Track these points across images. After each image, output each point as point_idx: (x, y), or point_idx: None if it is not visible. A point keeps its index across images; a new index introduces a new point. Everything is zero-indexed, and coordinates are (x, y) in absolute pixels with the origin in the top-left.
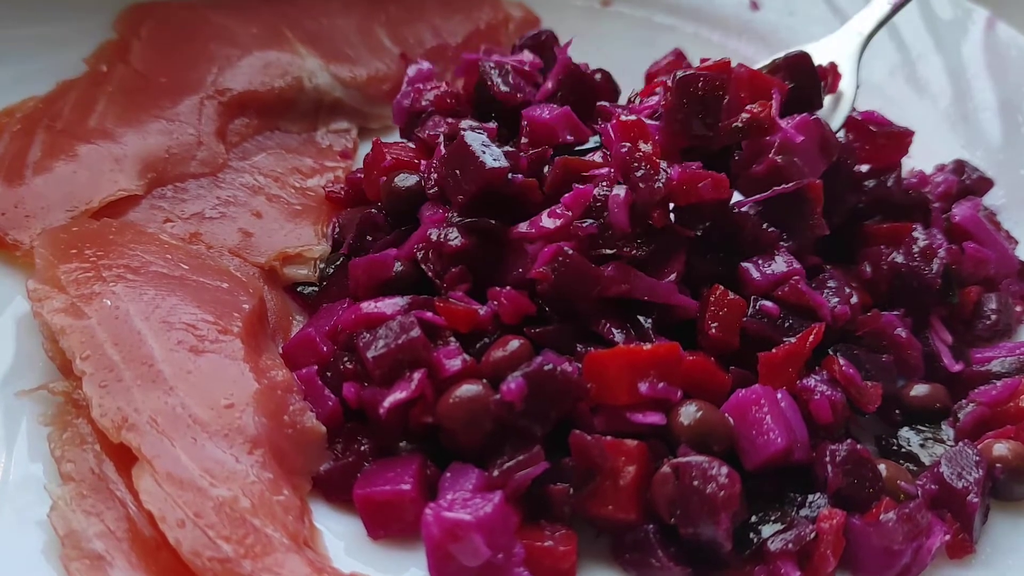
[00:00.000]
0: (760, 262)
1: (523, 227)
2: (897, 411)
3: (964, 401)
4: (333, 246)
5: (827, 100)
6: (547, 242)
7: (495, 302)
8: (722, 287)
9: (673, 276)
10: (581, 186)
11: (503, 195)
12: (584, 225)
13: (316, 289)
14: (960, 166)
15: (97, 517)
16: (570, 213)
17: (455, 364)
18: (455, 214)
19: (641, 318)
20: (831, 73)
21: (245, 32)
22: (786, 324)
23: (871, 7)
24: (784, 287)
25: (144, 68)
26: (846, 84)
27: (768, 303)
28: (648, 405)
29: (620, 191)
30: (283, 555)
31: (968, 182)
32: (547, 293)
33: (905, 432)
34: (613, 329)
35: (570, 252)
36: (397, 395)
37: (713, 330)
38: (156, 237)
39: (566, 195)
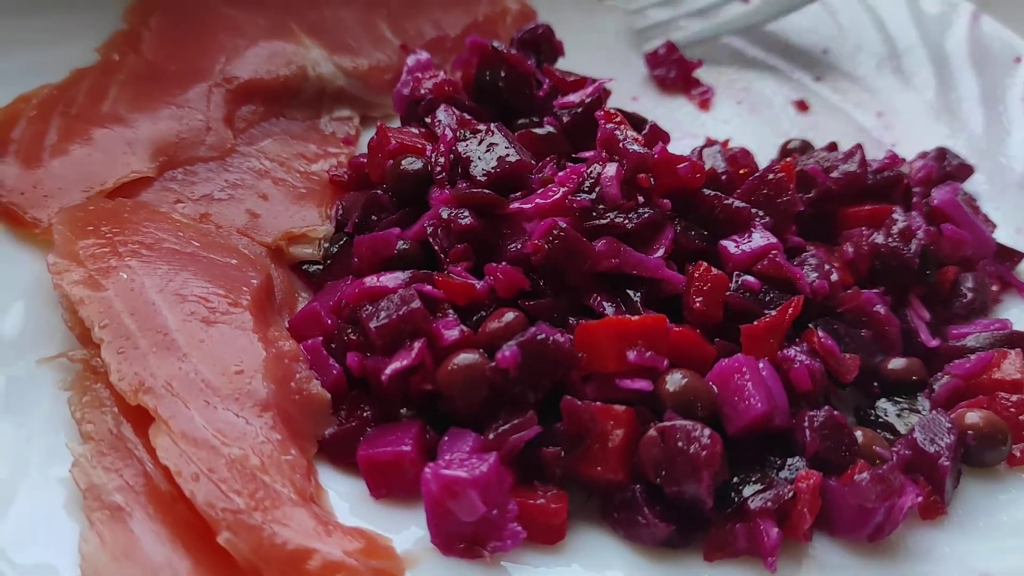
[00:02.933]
0: (738, 239)
1: (519, 204)
2: (875, 384)
3: (939, 374)
4: (336, 227)
5: None
6: (543, 217)
7: (491, 277)
8: (706, 263)
9: (661, 252)
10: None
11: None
12: (578, 199)
13: (320, 267)
14: (942, 153)
15: (116, 473)
16: (564, 189)
17: (453, 334)
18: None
19: (630, 292)
20: None
21: (252, 23)
22: (767, 298)
23: None
24: (763, 261)
25: (154, 57)
26: None
27: (750, 278)
28: (636, 372)
29: (611, 168)
30: (291, 509)
31: (949, 168)
32: (541, 265)
33: (883, 403)
34: (604, 302)
35: (564, 226)
36: (398, 363)
37: (698, 304)
38: (168, 216)
39: (560, 174)
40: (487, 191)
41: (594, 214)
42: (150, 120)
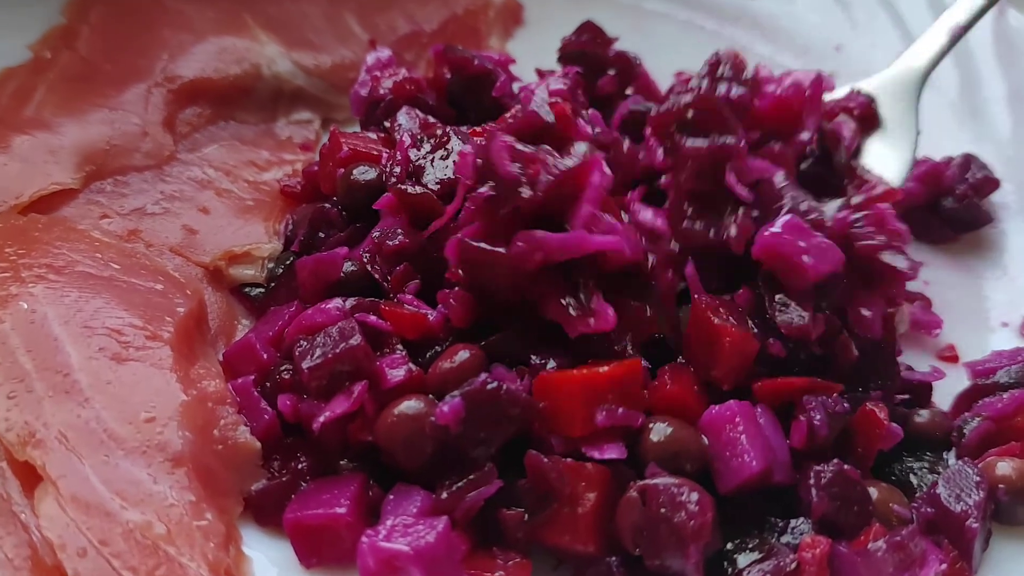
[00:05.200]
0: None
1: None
2: None
3: (968, 415)
4: (285, 244)
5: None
6: (455, 230)
7: (444, 304)
8: (734, 330)
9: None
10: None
11: None
12: (480, 192)
13: (263, 291)
14: (967, 161)
15: None
16: (469, 183)
17: (398, 375)
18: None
19: (580, 282)
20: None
21: (201, 17)
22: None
23: (927, 37)
24: None
25: (90, 54)
26: (903, 128)
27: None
28: (605, 436)
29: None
30: None
31: (973, 180)
32: (473, 292)
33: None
34: (559, 308)
35: (467, 241)
36: (333, 410)
37: (715, 373)
38: (86, 234)
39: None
40: (424, 190)
41: (504, 199)
42: (78, 125)
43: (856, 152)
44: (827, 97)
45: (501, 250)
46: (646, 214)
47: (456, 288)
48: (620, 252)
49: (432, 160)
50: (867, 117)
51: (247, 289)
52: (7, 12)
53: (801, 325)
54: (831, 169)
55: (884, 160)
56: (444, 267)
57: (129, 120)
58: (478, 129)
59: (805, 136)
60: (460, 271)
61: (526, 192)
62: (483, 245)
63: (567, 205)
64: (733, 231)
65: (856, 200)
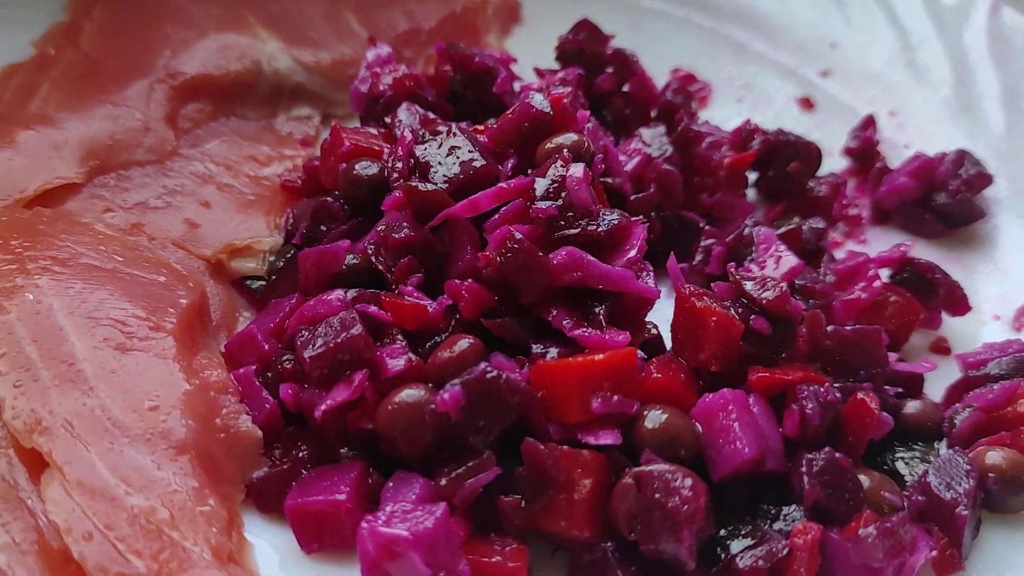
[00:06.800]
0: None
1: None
2: None
3: (959, 405)
4: (286, 238)
5: None
6: (501, 223)
7: (451, 295)
8: (718, 310)
9: (633, 253)
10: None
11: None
12: (544, 207)
13: (264, 283)
14: (961, 157)
15: (2, 528)
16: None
17: (398, 364)
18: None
19: (595, 306)
20: None
21: (203, 14)
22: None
23: None
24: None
25: (93, 51)
26: None
27: (761, 319)
28: (601, 423)
29: (577, 169)
30: (202, 571)
31: (967, 176)
32: (493, 279)
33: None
34: (563, 319)
35: (519, 237)
36: (334, 398)
37: (703, 356)
38: (90, 227)
39: (523, 179)
40: (438, 188)
41: (563, 223)
42: (82, 120)
43: None
44: None
45: (545, 256)
46: None
47: (469, 280)
48: (651, 297)
49: (439, 157)
50: None
51: (248, 282)
52: (11, 9)
53: (780, 295)
54: None
55: None
56: (447, 261)
57: (132, 116)
58: (480, 128)
59: None
60: (497, 257)
61: (596, 226)
62: (531, 246)
63: (614, 246)
64: None
65: None
